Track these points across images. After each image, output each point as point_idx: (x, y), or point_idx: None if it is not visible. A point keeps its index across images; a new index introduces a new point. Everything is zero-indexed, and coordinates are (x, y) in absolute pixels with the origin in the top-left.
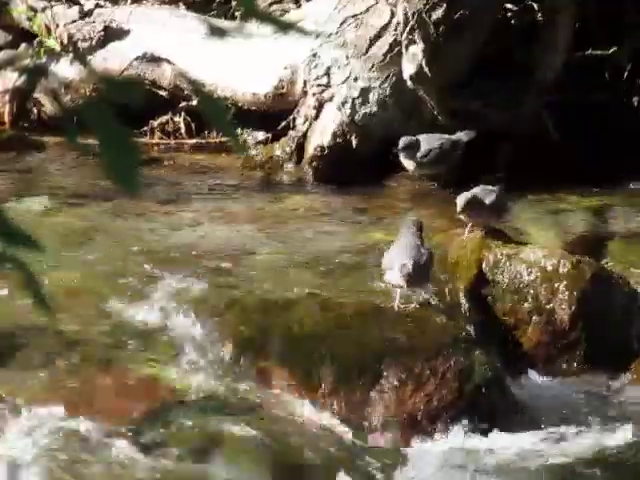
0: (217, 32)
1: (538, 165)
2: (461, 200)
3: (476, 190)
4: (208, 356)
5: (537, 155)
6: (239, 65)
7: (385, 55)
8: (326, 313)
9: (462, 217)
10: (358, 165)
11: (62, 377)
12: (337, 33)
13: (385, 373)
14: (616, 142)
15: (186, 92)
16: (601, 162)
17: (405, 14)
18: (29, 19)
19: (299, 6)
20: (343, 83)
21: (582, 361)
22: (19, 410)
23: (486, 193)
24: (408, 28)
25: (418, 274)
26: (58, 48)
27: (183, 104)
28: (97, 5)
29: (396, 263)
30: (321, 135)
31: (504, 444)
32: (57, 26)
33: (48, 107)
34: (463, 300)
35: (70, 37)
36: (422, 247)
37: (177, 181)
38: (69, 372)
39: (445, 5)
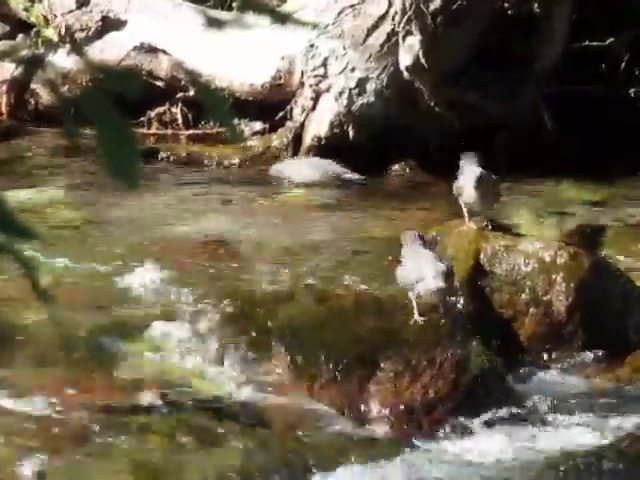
0: (215, 24)
1: (536, 158)
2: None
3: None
4: (206, 347)
5: (535, 148)
6: (236, 55)
7: (382, 45)
8: (324, 304)
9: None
10: (355, 155)
11: (59, 369)
12: (335, 23)
13: (382, 364)
14: (613, 135)
15: (183, 82)
16: (598, 155)
17: (403, 4)
18: (26, 9)
19: None
20: (340, 73)
21: (579, 352)
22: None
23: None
24: (405, 18)
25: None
26: (55, 38)
27: (180, 94)
28: None
29: (428, 272)
30: (318, 125)
31: (501, 435)
32: (55, 16)
33: (45, 98)
34: (460, 291)
35: (68, 27)
36: (442, 258)
37: (174, 172)
38: (67, 365)
39: None
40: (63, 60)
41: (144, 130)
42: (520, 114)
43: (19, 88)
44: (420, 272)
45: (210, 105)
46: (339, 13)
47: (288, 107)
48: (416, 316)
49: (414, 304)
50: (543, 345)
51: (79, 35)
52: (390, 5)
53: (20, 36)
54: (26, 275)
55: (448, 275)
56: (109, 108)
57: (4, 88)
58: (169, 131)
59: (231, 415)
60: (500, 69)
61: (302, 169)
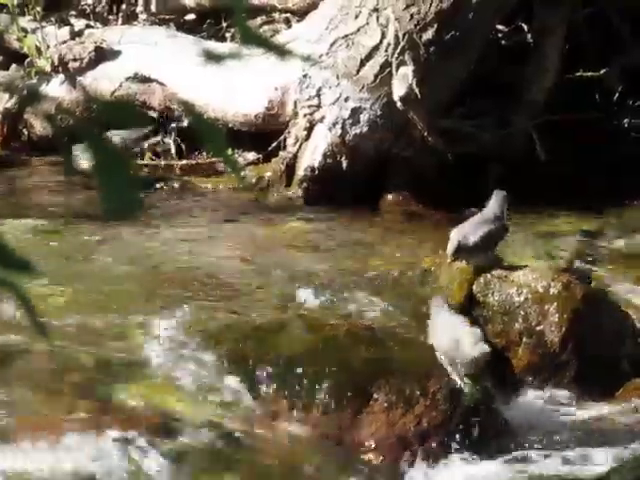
0: (213, 58)
1: (528, 187)
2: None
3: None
4: (198, 379)
5: (527, 177)
6: (230, 85)
7: (376, 76)
8: (316, 335)
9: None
10: (348, 186)
11: (54, 400)
12: (328, 54)
13: (375, 394)
14: (608, 162)
15: (176, 113)
16: (591, 183)
17: (396, 35)
18: (19, 40)
19: (290, 26)
20: (334, 104)
21: (573, 383)
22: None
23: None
24: (399, 49)
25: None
26: (49, 68)
27: (173, 125)
28: (88, 25)
29: (466, 340)
30: (311, 156)
31: (494, 466)
32: (48, 46)
33: (39, 128)
34: None
35: (61, 57)
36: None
37: (167, 203)
38: (62, 395)
39: (436, 26)
40: (56, 90)
41: (137, 161)
42: (513, 143)
43: (12, 118)
44: (457, 340)
45: (207, 136)
46: (332, 44)
47: (281, 137)
48: (458, 381)
49: (451, 371)
50: (536, 375)
51: (72, 65)
52: (383, 36)
53: (13, 66)
54: (22, 308)
55: (485, 339)
56: (106, 140)
57: None
58: (162, 162)
59: (223, 445)
60: (492, 98)
61: None
